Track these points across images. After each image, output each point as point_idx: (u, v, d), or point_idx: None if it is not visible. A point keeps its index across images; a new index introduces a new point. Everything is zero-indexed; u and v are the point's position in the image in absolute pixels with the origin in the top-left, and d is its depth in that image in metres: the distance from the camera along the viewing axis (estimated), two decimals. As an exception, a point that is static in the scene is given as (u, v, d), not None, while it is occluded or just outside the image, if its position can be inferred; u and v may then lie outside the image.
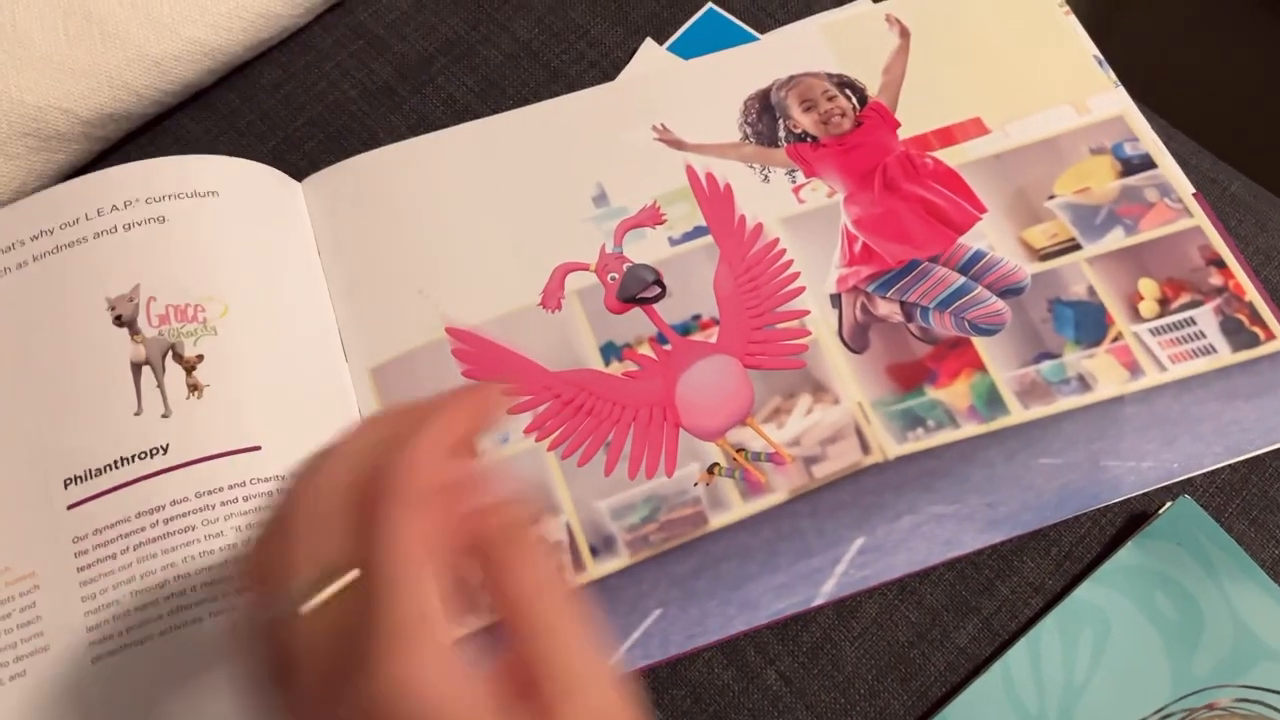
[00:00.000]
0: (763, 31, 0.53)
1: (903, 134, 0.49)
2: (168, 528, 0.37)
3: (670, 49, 0.53)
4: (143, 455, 0.39)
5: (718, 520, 0.42)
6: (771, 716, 0.40)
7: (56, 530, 0.38)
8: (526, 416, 0.44)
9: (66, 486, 0.38)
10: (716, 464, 0.43)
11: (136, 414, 0.39)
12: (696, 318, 0.46)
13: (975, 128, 0.49)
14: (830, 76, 0.50)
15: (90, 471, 0.39)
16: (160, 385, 0.40)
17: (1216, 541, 0.41)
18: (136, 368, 0.40)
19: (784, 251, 0.47)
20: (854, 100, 0.50)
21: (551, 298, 0.46)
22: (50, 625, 0.37)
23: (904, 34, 0.51)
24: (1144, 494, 0.42)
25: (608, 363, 0.45)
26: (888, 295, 0.46)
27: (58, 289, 0.42)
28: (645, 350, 0.45)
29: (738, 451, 0.43)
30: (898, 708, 0.40)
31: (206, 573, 0.37)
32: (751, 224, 0.47)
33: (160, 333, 0.41)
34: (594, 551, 0.42)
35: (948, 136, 0.49)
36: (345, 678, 0.23)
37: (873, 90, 0.50)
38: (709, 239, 0.47)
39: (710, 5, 0.54)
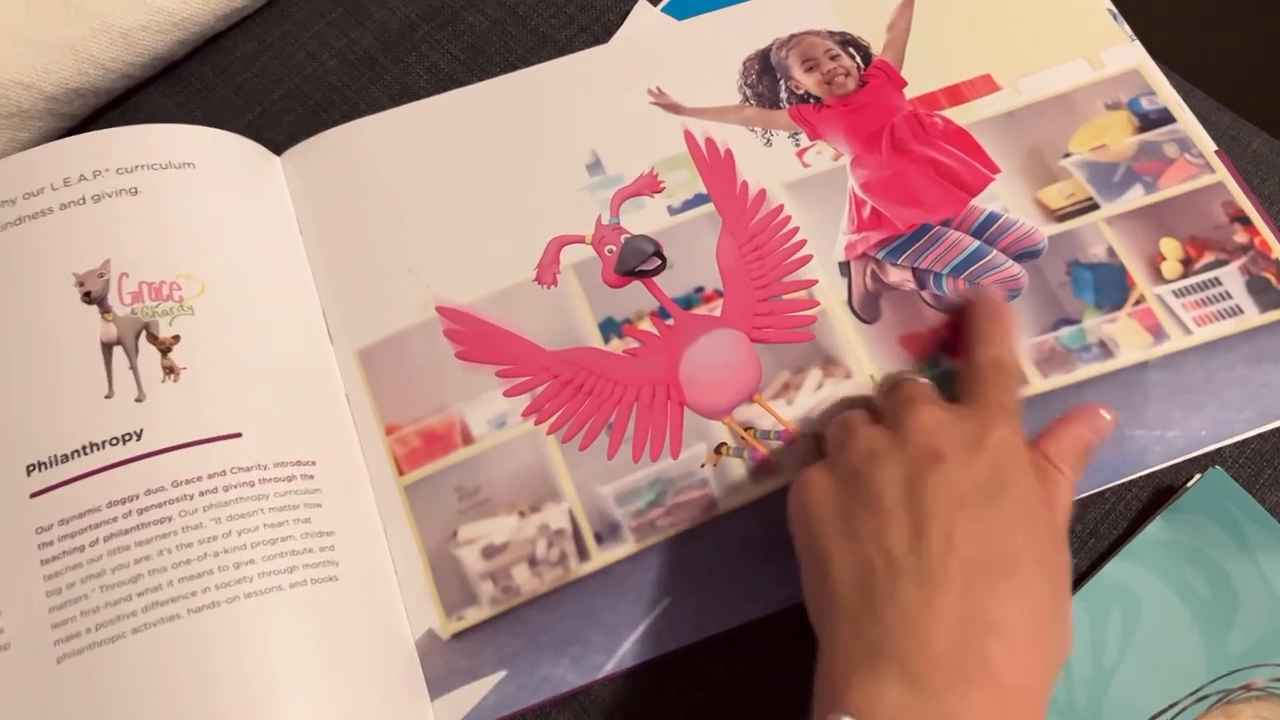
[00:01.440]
0: (761, -9, 0.51)
1: (909, 93, 0.47)
2: (141, 518, 0.35)
3: (665, 10, 0.51)
4: (114, 441, 0.36)
5: (727, 503, 0.40)
6: (784, 712, 0.38)
7: (18, 520, 0.36)
8: (524, 398, 0.42)
9: (29, 473, 0.36)
10: (724, 444, 0.41)
11: (107, 397, 0.37)
12: (699, 290, 0.44)
13: (985, 85, 0.47)
14: (832, 34, 0.48)
15: (56, 458, 0.36)
16: (133, 367, 0.38)
17: (1249, 514, 0.39)
18: (107, 348, 0.38)
19: (789, 219, 0.45)
20: (858, 59, 0.48)
21: (547, 272, 0.44)
22: (10, 622, 0.34)
23: None
24: (1171, 466, 0.40)
25: (607, 340, 0.43)
26: (899, 262, 0.44)
27: (21, 263, 0.40)
28: (646, 326, 0.43)
29: (746, 430, 0.41)
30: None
31: (184, 567, 0.35)
32: (754, 190, 0.45)
33: (133, 311, 0.39)
34: (599, 539, 0.40)
35: (956, 94, 0.47)
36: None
37: (877, 48, 0.48)
38: (710, 207, 0.45)
39: (705, -35, 0.52)
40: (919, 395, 0.36)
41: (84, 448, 0.36)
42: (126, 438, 0.37)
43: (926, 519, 0.32)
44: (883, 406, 0.37)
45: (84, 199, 0.40)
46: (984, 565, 0.31)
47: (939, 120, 0.46)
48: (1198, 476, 0.40)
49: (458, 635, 0.38)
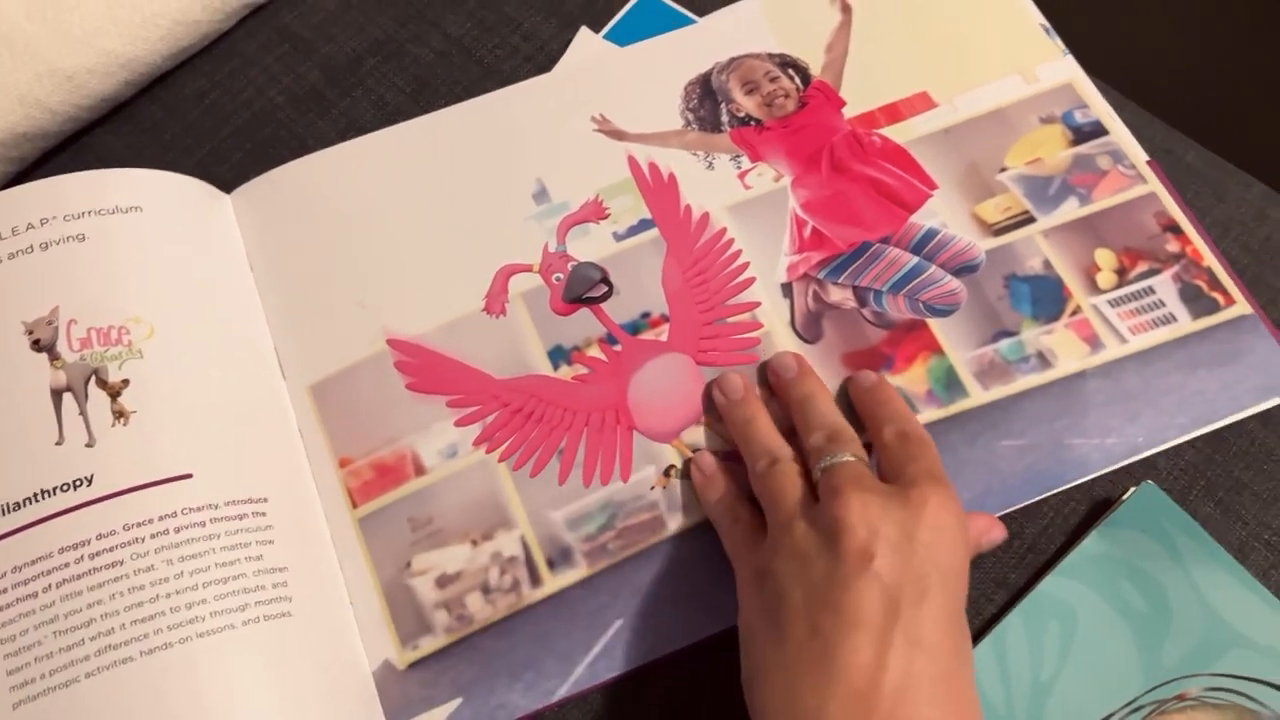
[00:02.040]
0: (700, 14, 0.52)
1: (848, 112, 0.49)
2: (93, 563, 0.37)
3: (606, 37, 0.52)
4: (65, 487, 0.38)
5: (676, 524, 0.42)
6: (739, 723, 0.39)
7: (-30, 570, 0.37)
8: (475, 428, 0.43)
9: (-20, 523, 0.38)
10: (673, 466, 0.43)
11: (58, 444, 0.39)
12: (646, 315, 0.45)
13: (922, 102, 0.49)
14: (772, 57, 0.50)
15: (8, 506, 0.38)
16: (83, 413, 0.39)
17: (1181, 526, 0.41)
18: (57, 395, 0.39)
19: (732, 241, 0.46)
20: (797, 80, 0.50)
21: (495, 302, 0.45)
22: (-35, 672, 0.36)
23: (845, 9, 0.51)
24: (1107, 480, 0.42)
25: (556, 367, 0.44)
26: (839, 281, 0.45)
27: (-31, 314, 0.41)
28: (595, 352, 0.44)
29: (694, 452, 0.43)
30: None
31: (136, 609, 0.36)
32: (698, 214, 0.47)
33: (82, 357, 0.40)
34: (551, 564, 0.41)
35: (894, 113, 0.49)
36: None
37: (815, 69, 0.50)
38: (655, 232, 0.47)
39: (647, -10, 0.54)
40: (850, 480, 0.36)
41: (35, 495, 0.38)
42: (77, 483, 0.38)
43: (852, 632, 0.32)
44: (814, 470, 0.38)
45: (32, 247, 0.42)
46: (909, 693, 0.31)
47: (877, 139, 0.48)
48: (1132, 490, 0.42)
49: (414, 665, 0.40)
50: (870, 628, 0.32)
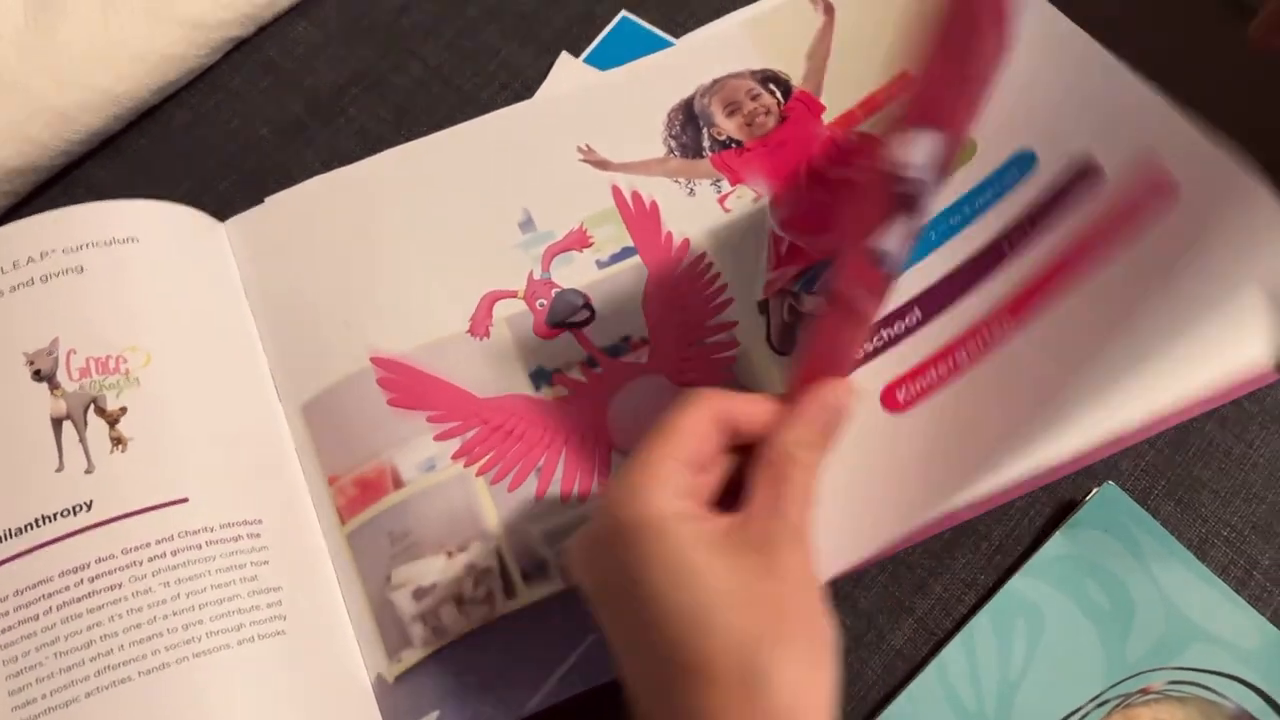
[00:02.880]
0: (678, 36, 0.55)
1: (829, 116, 0.51)
2: (93, 586, 0.39)
3: (586, 61, 0.55)
4: (65, 513, 0.40)
5: (655, 540, 0.44)
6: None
7: (-27, 594, 0.39)
8: (454, 442, 0.45)
9: (-16, 548, 0.40)
10: (651, 483, 0.45)
11: (58, 470, 0.41)
12: (626, 339, 0.48)
13: (903, 84, 0.51)
14: (754, 74, 0.53)
15: (9, 532, 0.40)
16: (82, 440, 0.42)
17: (1142, 526, 0.44)
18: (57, 423, 0.42)
19: (711, 265, 0.49)
20: (778, 94, 0.52)
21: (480, 325, 0.48)
22: (-33, 692, 0.38)
23: (828, 10, 0.54)
24: (1071, 481, 0.45)
25: (538, 388, 0.47)
26: (815, 290, 0.48)
27: (-28, 347, 0.43)
28: (576, 374, 0.47)
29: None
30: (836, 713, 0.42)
31: (134, 631, 0.39)
32: (678, 241, 0.50)
33: (81, 386, 0.43)
34: (526, 577, 0.43)
35: (873, 105, 0.51)
36: None
37: (797, 79, 0.52)
38: (637, 259, 0.49)
39: (624, 14, 0.56)
40: None
41: (36, 520, 0.40)
42: (77, 509, 0.40)
43: None
44: None
45: (32, 280, 0.44)
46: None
47: (855, 138, 0.51)
48: (1095, 491, 0.45)
49: (399, 678, 0.42)
50: None
